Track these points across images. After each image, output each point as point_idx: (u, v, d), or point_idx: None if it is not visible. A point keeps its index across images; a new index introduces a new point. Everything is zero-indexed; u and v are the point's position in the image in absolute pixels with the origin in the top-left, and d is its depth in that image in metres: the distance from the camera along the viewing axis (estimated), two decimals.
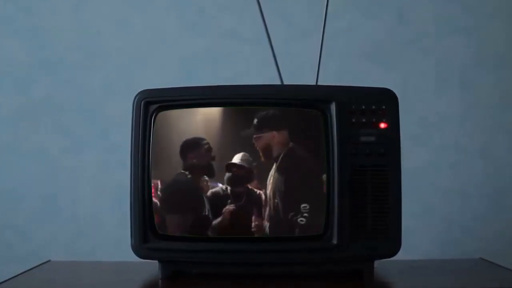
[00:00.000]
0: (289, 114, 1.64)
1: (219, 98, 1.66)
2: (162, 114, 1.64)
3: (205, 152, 1.63)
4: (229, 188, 1.63)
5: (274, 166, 1.63)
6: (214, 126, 1.65)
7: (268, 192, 1.62)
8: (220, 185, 1.63)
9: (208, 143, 1.63)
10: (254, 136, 1.63)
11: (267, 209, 1.62)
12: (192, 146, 1.64)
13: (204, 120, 1.65)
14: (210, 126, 1.65)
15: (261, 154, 1.63)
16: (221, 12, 2.40)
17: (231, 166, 1.63)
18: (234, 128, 1.65)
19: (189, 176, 1.64)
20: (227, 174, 1.63)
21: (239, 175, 1.62)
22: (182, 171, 1.64)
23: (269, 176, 1.63)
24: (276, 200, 1.62)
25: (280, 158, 1.63)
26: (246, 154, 1.62)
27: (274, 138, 1.63)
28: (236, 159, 1.62)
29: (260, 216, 1.62)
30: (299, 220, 1.62)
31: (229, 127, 1.65)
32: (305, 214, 1.61)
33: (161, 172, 1.64)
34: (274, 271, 1.68)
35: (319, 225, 1.62)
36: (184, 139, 1.64)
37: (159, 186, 1.64)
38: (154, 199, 1.63)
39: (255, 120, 1.63)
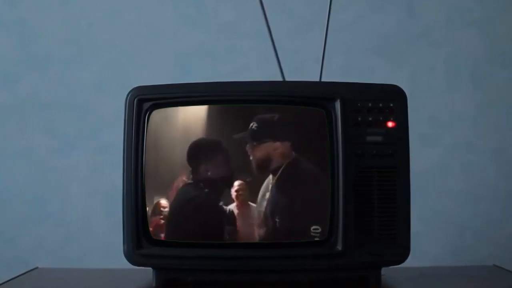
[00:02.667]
0: (292, 119, 1.64)
1: (217, 96, 1.66)
2: (157, 112, 1.65)
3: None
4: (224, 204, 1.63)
5: (271, 180, 1.62)
6: (213, 125, 1.65)
7: (265, 210, 1.62)
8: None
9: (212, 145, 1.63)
10: (249, 145, 1.62)
11: (265, 230, 1.61)
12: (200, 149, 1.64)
13: (202, 119, 1.65)
14: (209, 125, 1.65)
15: (255, 166, 1.62)
16: (219, 4, 2.41)
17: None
18: (232, 128, 1.65)
19: (187, 180, 1.64)
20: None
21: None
22: (181, 176, 1.64)
23: (264, 191, 1.62)
24: (276, 220, 1.62)
25: (280, 171, 1.62)
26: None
27: (276, 149, 1.62)
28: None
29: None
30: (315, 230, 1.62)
31: (228, 127, 1.65)
32: (316, 239, 1.61)
33: (155, 174, 1.64)
34: (274, 279, 1.68)
35: (323, 231, 1.62)
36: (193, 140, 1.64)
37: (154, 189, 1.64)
38: (148, 203, 1.64)
39: (254, 125, 1.62)
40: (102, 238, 2.36)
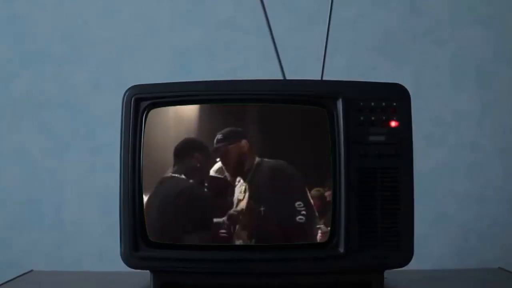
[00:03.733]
0: (293, 118, 1.65)
1: (215, 94, 1.66)
2: (154, 111, 1.65)
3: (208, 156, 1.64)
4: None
5: (242, 180, 1.63)
6: (212, 125, 1.65)
7: (246, 202, 1.63)
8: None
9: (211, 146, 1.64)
10: (218, 146, 1.63)
11: (254, 219, 1.62)
12: (196, 147, 1.64)
13: (200, 119, 1.65)
14: (208, 124, 1.65)
15: (229, 174, 1.63)
16: (217, 0, 2.41)
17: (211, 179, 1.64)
18: (232, 127, 1.65)
19: (185, 180, 1.64)
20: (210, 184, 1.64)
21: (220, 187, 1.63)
22: (177, 175, 1.64)
23: (240, 187, 1.63)
24: (262, 209, 1.63)
25: (251, 171, 1.63)
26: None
27: (244, 148, 1.64)
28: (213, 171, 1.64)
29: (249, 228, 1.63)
30: (298, 219, 1.63)
31: (227, 126, 1.65)
32: (303, 212, 1.62)
33: (153, 174, 1.64)
34: (275, 282, 1.68)
35: (323, 232, 1.63)
36: (184, 139, 1.64)
37: (150, 190, 1.64)
38: (145, 204, 1.64)
39: (217, 136, 1.63)
40: (98, 240, 2.37)
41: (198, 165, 1.64)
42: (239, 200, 1.63)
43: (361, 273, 1.67)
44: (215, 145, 1.63)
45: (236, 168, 1.63)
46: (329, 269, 1.65)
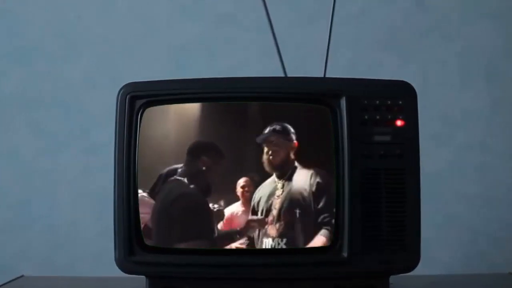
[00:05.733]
0: (295, 117, 1.65)
1: (214, 93, 1.66)
2: (150, 110, 1.65)
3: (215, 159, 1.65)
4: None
5: (277, 183, 1.63)
6: (211, 124, 1.65)
7: (277, 206, 1.63)
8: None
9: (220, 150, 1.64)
10: (271, 137, 1.63)
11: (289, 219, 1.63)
12: (202, 149, 1.65)
13: (198, 118, 1.66)
14: (205, 124, 1.65)
15: (271, 167, 1.63)
16: None
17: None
18: (231, 126, 1.65)
19: (183, 183, 1.64)
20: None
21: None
22: (180, 178, 1.65)
23: (273, 189, 1.63)
24: (297, 211, 1.63)
25: (290, 170, 1.64)
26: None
27: (293, 148, 1.64)
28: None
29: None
30: (324, 228, 1.64)
31: (227, 126, 1.65)
32: (329, 222, 1.63)
33: (148, 176, 1.65)
34: (276, 287, 1.69)
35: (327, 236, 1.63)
36: (195, 141, 1.65)
37: (147, 192, 1.65)
38: (141, 207, 1.64)
39: (276, 127, 1.63)
40: (92, 244, 2.37)
41: (204, 168, 1.64)
42: (276, 197, 1.63)
43: (366, 278, 1.67)
44: (266, 134, 1.62)
45: (278, 165, 1.63)
46: (332, 274, 1.65)
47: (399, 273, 1.68)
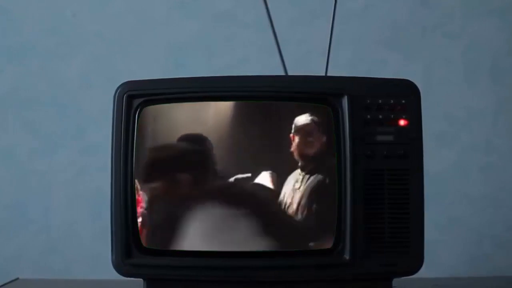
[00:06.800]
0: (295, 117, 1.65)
1: (212, 91, 1.66)
2: (148, 109, 1.65)
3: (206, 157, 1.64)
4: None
5: (303, 171, 1.63)
6: (210, 124, 1.65)
7: (297, 200, 1.63)
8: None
9: (211, 145, 1.64)
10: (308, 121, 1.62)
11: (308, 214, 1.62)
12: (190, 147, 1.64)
13: (197, 117, 1.66)
14: (205, 124, 1.65)
15: (301, 161, 1.63)
16: None
17: (254, 187, 1.63)
18: (235, 127, 1.65)
19: (181, 182, 1.64)
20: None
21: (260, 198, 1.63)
22: (173, 175, 1.65)
23: (292, 183, 1.63)
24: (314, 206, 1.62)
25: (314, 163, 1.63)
26: (273, 173, 1.62)
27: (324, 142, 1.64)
28: (263, 179, 1.63)
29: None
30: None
31: (227, 126, 1.65)
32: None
33: (146, 176, 1.65)
34: None
35: (328, 238, 1.63)
36: (179, 137, 1.64)
37: (144, 193, 1.65)
38: (139, 208, 1.64)
39: (314, 118, 1.63)
40: (88, 246, 2.37)
41: (181, 186, 1.64)
42: (295, 189, 1.62)
43: (368, 281, 1.67)
44: (303, 122, 1.62)
45: (311, 156, 1.62)
46: (334, 277, 1.65)
47: (402, 276, 1.68)
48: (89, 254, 2.36)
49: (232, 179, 1.63)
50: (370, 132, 1.64)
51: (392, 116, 1.65)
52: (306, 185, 1.62)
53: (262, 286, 1.68)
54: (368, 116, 1.65)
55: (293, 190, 1.62)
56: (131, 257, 1.64)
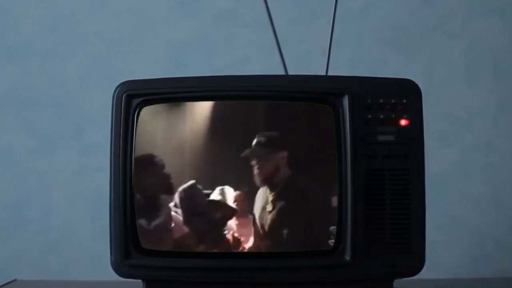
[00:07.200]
0: (296, 117, 1.65)
1: (212, 91, 1.66)
2: (147, 109, 1.65)
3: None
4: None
5: (268, 192, 1.63)
6: (209, 124, 1.65)
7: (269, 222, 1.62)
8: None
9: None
10: (256, 159, 1.62)
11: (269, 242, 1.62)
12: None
13: (197, 117, 1.66)
14: (204, 124, 1.65)
15: (260, 180, 1.62)
16: None
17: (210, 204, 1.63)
18: (230, 127, 1.65)
19: (179, 182, 1.65)
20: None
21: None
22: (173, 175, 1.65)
23: (262, 203, 1.62)
24: (284, 231, 1.62)
25: (283, 182, 1.63)
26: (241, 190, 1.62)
27: (283, 159, 1.63)
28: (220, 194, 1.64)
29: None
30: (329, 242, 1.63)
31: (227, 126, 1.65)
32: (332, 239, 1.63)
33: (145, 176, 1.65)
34: None
35: (328, 238, 1.63)
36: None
37: (144, 192, 1.65)
38: (138, 210, 1.64)
39: (261, 139, 1.62)
40: (87, 247, 2.37)
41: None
42: (268, 212, 1.62)
43: (369, 282, 1.67)
44: (254, 147, 1.62)
45: (267, 178, 1.62)
46: (334, 278, 1.65)
47: (404, 277, 1.68)
48: (88, 254, 2.36)
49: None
50: (371, 132, 1.64)
51: (393, 116, 1.65)
52: (276, 208, 1.62)
53: (261, 287, 1.68)
54: (369, 116, 1.64)
55: (265, 211, 1.62)
56: (130, 258, 1.64)
